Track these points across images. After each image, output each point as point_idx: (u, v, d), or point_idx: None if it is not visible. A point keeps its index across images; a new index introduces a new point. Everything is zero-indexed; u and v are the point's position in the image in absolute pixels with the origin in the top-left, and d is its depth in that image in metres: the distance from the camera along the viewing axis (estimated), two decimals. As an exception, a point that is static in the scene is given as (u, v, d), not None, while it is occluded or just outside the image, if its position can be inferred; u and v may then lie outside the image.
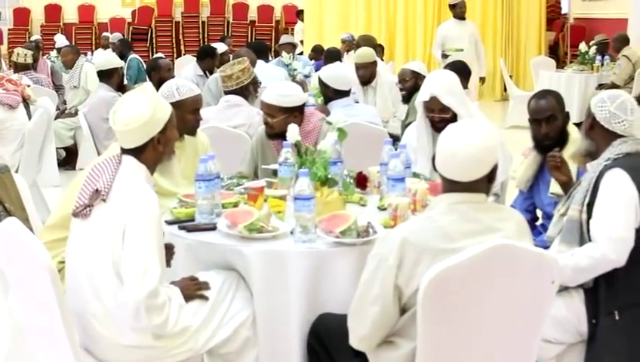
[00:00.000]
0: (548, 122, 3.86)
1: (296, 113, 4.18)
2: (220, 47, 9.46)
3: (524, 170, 4.03)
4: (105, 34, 14.71)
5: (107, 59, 6.72)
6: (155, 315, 2.78)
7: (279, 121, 4.14)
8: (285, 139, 3.62)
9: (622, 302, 3.04)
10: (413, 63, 6.72)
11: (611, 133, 3.18)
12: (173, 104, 3.61)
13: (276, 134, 4.16)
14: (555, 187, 3.76)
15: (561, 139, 3.86)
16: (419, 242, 2.52)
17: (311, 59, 10.75)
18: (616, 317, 3.02)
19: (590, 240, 3.07)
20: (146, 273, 2.73)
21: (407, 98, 6.28)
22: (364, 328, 2.61)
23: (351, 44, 10.65)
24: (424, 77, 6.14)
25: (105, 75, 6.59)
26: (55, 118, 7.86)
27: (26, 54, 8.90)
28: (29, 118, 6.32)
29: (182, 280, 3.01)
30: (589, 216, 3.08)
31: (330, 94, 5.58)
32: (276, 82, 4.85)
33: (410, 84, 6.24)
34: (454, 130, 2.62)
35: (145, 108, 2.94)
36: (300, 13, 16.75)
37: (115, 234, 2.80)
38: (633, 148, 3.15)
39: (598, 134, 3.22)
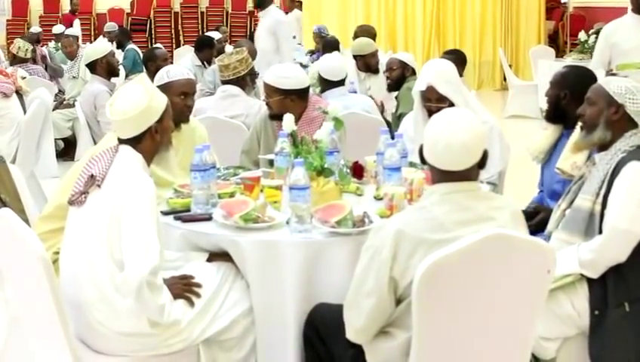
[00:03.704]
0: (552, 88, 3.86)
1: (293, 97, 4.20)
2: (215, 35, 9.50)
3: (542, 139, 3.98)
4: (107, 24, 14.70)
5: (87, 53, 6.71)
6: (157, 294, 2.80)
7: (275, 101, 4.21)
8: None
9: (632, 294, 3.03)
10: (402, 54, 6.74)
11: (632, 125, 3.16)
12: (162, 86, 3.63)
13: (276, 115, 4.19)
14: (562, 163, 3.69)
15: (554, 111, 3.83)
16: (413, 234, 2.51)
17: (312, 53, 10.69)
18: (627, 309, 3.01)
19: (601, 232, 3.05)
20: (148, 251, 2.75)
21: (394, 87, 6.30)
22: (360, 320, 2.61)
23: (320, 37, 10.58)
24: (411, 68, 6.20)
25: (90, 68, 6.59)
26: (53, 109, 7.87)
27: (27, 49, 8.89)
28: (24, 110, 6.32)
29: (170, 278, 3.00)
30: (604, 208, 3.06)
31: (323, 85, 5.60)
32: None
33: (397, 73, 6.26)
34: (444, 121, 2.60)
35: (141, 98, 2.97)
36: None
37: (110, 219, 2.82)
38: None
39: (621, 125, 3.17)
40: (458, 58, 6.40)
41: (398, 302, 2.58)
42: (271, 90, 4.24)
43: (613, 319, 3.01)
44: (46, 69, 9.65)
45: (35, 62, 9.75)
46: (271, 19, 7.84)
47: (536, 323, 2.64)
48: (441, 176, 2.62)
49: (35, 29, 14.11)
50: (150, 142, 3.04)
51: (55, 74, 9.62)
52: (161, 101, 3.06)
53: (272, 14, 7.91)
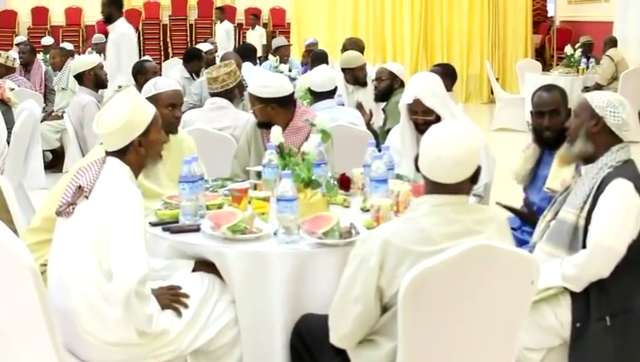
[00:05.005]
0: (551, 116, 3.84)
1: (274, 105, 4.25)
2: (205, 47, 9.54)
3: (522, 163, 4.01)
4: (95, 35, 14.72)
5: (75, 64, 6.74)
6: (145, 304, 2.81)
7: (258, 110, 4.30)
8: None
9: (614, 308, 3.06)
10: (392, 64, 6.73)
11: (616, 139, 3.18)
12: (149, 98, 3.64)
13: (262, 123, 4.29)
14: (551, 182, 3.75)
15: (561, 135, 3.83)
16: (400, 244, 2.53)
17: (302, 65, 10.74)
18: (608, 323, 3.04)
19: (584, 247, 3.08)
20: (136, 260, 2.76)
21: (381, 97, 6.31)
22: (346, 327, 2.63)
23: (310, 50, 10.63)
24: (400, 80, 6.19)
25: (78, 79, 6.62)
26: (42, 121, 7.86)
27: (14, 58, 8.89)
28: (14, 121, 6.32)
29: (158, 289, 3.01)
30: (588, 223, 3.09)
31: (312, 97, 5.64)
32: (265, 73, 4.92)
33: (386, 84, 6.26)
34: (438, 132, 2.63)
35: (124, 111, 2.99)
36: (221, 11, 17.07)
37: (98, 230, 2.83)
38: (628, 154, 3.18)
39: (603, 138, 3.18)
40: (447, 72, 6.42)
41: (384, 310, 2.60)
42: (253, 98, 4.32)
43: (595, 332, 3.05)
44: (45, 94, 9.63)
45: (27, 70, 9.77)
46: (117, 33, 7.75)
47: (520, 333, 2.67)
48: (432, 187, 2.64)
49: (20, 38, 14.09)
50: (135, 156, 3.04)
51: (52, 93, 9.66)
52: (147, 114, 3.06)
53: (119, 28, 7.79)
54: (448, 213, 2.61)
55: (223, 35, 15.92)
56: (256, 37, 16.11)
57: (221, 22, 16.91)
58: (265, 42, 15.88)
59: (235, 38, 17.67)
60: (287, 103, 4.29)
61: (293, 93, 4.38)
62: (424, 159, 2.63)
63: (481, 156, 4.09)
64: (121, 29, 7.78)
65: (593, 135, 3.20)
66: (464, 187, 2.64)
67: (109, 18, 7.79)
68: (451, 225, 2.58)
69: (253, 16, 17.15)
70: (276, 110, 4.24)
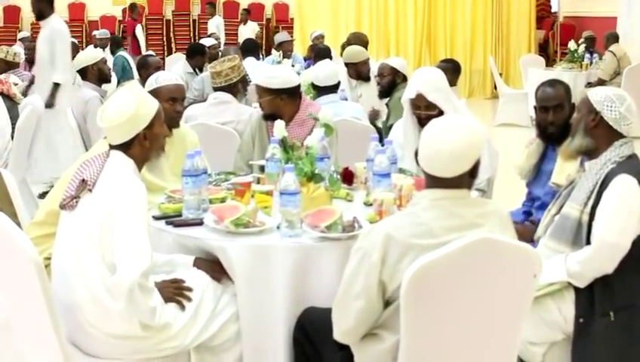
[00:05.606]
0: (555, 111, 3.84)
1: (283, 96, 4.29)
2: (208, 42, 9.54)
3: (525, 158, 4.01)
4: (94, 32, 14.72)
5: (78, 59, 6.75)
6: (148, 296, 2.82)
7: (265, 101, 4.33)
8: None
9: (618, 304, 3.06)
10: (394, 59, 6.71)
11: (616, 134, 3.17)
12: (151, 92, 3.66)
13: (268, 115, 4.32)
14: (557, 177, 3.74)
15: (565, 130, 3.83)
16: (402, 239, 2.53)
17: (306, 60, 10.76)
18: (612, 319, 3.05)
19: (588, 242, 3.08)
20: (139, 253, 2.76)
21: (384, 93, 6.31)
22: (348, 322, 2.63)
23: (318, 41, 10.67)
24: (402, 74, 6.18)
25: (81, 74, 6.63)
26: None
27: (15, 53, 8.89)
28: (19, 116, 6.33)
29: (162, 282, 3.03)
30: (592, 219, 3.09)
31: (315, 92, 5.65)
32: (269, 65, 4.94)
33: (388, 79, 6.25)
34: (437, 126, 2.62)
35: (129, 104, 2.99)
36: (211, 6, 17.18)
37: (102, 223, 2.84)
38: (631, 149, 3.18)
39: (602, 133, 3.18)
40: (452, 67, 6.41)
41: (387, 304, 2.60)
42: (261, 90, 4.34)
43: (599, 328, 3.05)
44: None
45: (31, 65, 9.77)
46: (50, 28, 7.64)
47: (522, 326, 2.67)
48: (432, 181, 2.64)
49: (24, 34, 14.09)
50: (139, 149, 3.06)
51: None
52: (151, 107, 3.08)
53: (52, 24, 7.68)
54: (449, 206, 2.60)
55: (214, 30, 15.94)
56: (247, 32, 16.11)
57: (212, 16, 16.98)
58: (255, 36, 15.88)
59: (237, 34, 17.68)
60: (294, 94, 4.34)
61: (299, 85, 4.41)
62: (423, 152, 2.63)
63: (484, 150, 4.13)
64: (55, 24, 7.68)
65: (591, 129, 3.21)
66: (463, 181, 2.63)
67: (40, 14, 7.71)
68: (452, 219, 2.58)
69: (245, 11, 17.19)
70: (285, 100, 4.29)
